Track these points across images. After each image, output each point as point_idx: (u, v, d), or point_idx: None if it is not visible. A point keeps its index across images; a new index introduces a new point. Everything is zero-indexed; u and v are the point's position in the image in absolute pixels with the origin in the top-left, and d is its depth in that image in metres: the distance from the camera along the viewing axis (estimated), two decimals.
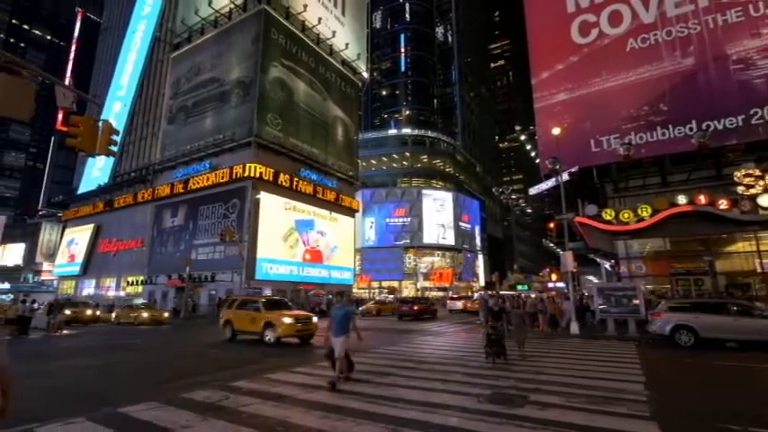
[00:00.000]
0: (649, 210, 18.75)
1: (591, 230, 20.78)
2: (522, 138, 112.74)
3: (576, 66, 23.28)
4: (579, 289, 32.87)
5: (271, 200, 33.71)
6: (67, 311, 23.13)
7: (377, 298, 42.48)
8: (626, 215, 19.20)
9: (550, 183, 24.16)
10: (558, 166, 18.70)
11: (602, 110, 21.96)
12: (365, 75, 50.65)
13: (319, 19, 41.75)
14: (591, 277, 45.10)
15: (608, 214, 19.68)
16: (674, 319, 12.75)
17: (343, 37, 45.75)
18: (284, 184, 35.10)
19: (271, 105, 35.63)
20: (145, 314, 24.13)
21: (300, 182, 36.98)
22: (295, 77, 38.73)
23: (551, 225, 29.28)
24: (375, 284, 55.32)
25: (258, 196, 32.23)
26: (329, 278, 39.63)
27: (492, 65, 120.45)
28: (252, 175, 32.35)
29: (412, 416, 5.57)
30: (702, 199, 17.76)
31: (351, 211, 44.53)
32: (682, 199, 18.31)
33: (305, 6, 39.98)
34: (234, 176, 33.20)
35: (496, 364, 9.40)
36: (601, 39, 22.77)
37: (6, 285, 63.93)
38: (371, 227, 57.96)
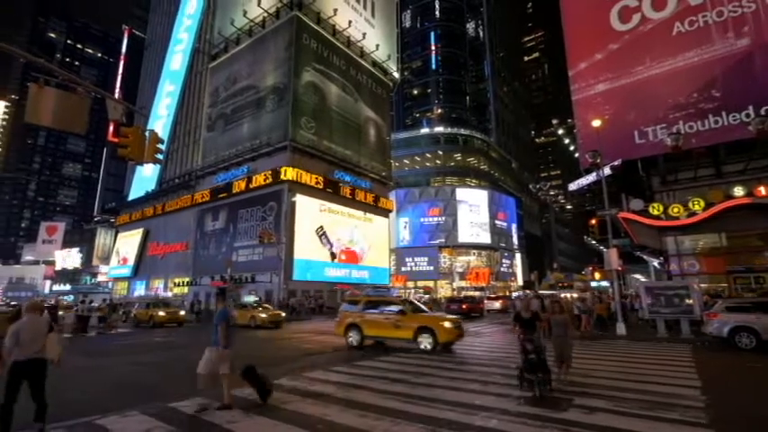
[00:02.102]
0: (702, 203, 17.58)
1: (637, 226, 19.75)
2: (560, 132, 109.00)
3: (616, 54, 22.20)
4: (626, 288, 31.35)
5: (306, 202, 34.42)
6: (161, 312, 22.10)
7: (410, 298, 42.35)
8: (676, 209, 18.11)
9: (591, 177, 23.19)
10: (599, 160, 17.90)
11: (646, 99, 20.81)
12: (396, 75, 50.68)
13: (349, 22, 42.22)
14: (639, 276, 42.85)
15: (655, 209, 18.63)
16: (733, 319, 11.87)
17: (374, 38, 46.00)
18: (319, 186, 35.75)
19: (304, 109, 36.39)
20: (263, 315, 20.69)
21: (335, 183, 37.53)
22: (327, 81, 39.36)
23: (593, 221, 28.12)
24: (411, 284, 55.13)
25: (294, 199, 32.99)
26: (365, 278, 39.95)
27: (526, 58, 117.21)
28: (287, 178, 33.18)
29: (450, 417, 5.51)
30: (763, 190, 16.47)
31: (385, 212, 44.70)
32: (739, 191, 17.05)
33: (335, 10, 40.54)
34: (270, 180, 34.21)
35: (542, 398, 6.38)
36: (643, 24, 21.60)
37: (68, 287, 69.07)
38: (406, 227, 57.84)
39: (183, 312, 24.04)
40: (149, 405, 6.14)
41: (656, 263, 28.98)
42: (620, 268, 18.33)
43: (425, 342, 11.62)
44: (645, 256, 28.48)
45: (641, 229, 19.81)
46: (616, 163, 20.18)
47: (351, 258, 38.67)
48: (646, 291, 16.14)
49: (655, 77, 20.83)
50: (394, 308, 12.55)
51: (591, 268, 53.17)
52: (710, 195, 17.80)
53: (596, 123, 19.43)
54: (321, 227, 35.78)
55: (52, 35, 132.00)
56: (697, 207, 17.66)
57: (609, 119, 21.22)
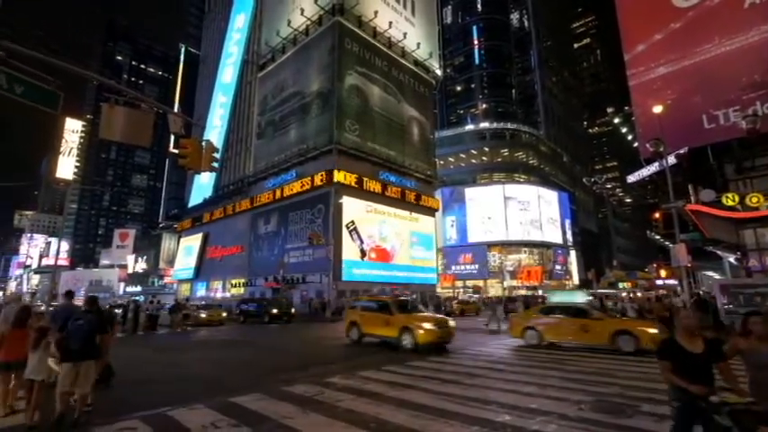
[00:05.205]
0: None
1: (708, 219, 18.12)
2: (616, 121, 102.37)
3: (678, 33, 20.50)
4: (696, 286, 28.92)
5: (353, 203, 34.97)
6: (433, 326, 12.03)
7: (460, 298, 41.73)
8: (755, 199, 16.38)
9: (653, 168, 21.60)
10: (661, 149, 16.62)
11: (715, 80, 19.02)
12: (438, 72, 50.15)
13: (390, 23, 42.36)
14: (711, 273, 39.26)
15: (730, 199, 16.97)
16: None
17: (415, 37, 45.82)
18: (365, 187, 36.19)
19: (348, 112, 37.01)
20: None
21: (380, 184, 37.82)
22: (369, 83, 39.76)
23: (657, 215, 26.17)
24: (459, 284, 54.28)
25: (341, 201, 33.64)
26: (413, 278, 39.89)
27: (576, 45, 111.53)
28: (334, 180, 33.90)
29: (505, 420, 5.36)
30: None
31: (431, 211, 44.37)
32: None
33: (375, 13, 40.86)
34: (317, 183, 35.14)
35: None
36: None
37: (138, 288, 75.03)
38: (452, 225, 57.02)
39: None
40: (212, 399, 6.51)
41: (731, 258, 26.44)
42: (689, 265, 16.91)
43: None
44: (718, 252, 26.04)
45: (714, 221, 18.14)
46: (681, 151, 18.62)
47: (396, 258, 38.74)
48: (721, 289, 14.76)
49: (724, 56, 19.00)
50: None
51: (655, 265, 49.54)
52: None
53: (657, 109, 18.04)
54: (352, 221, 34.82)
55: (119, 58, 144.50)
56: None
57: (671, 104, 19.64)
